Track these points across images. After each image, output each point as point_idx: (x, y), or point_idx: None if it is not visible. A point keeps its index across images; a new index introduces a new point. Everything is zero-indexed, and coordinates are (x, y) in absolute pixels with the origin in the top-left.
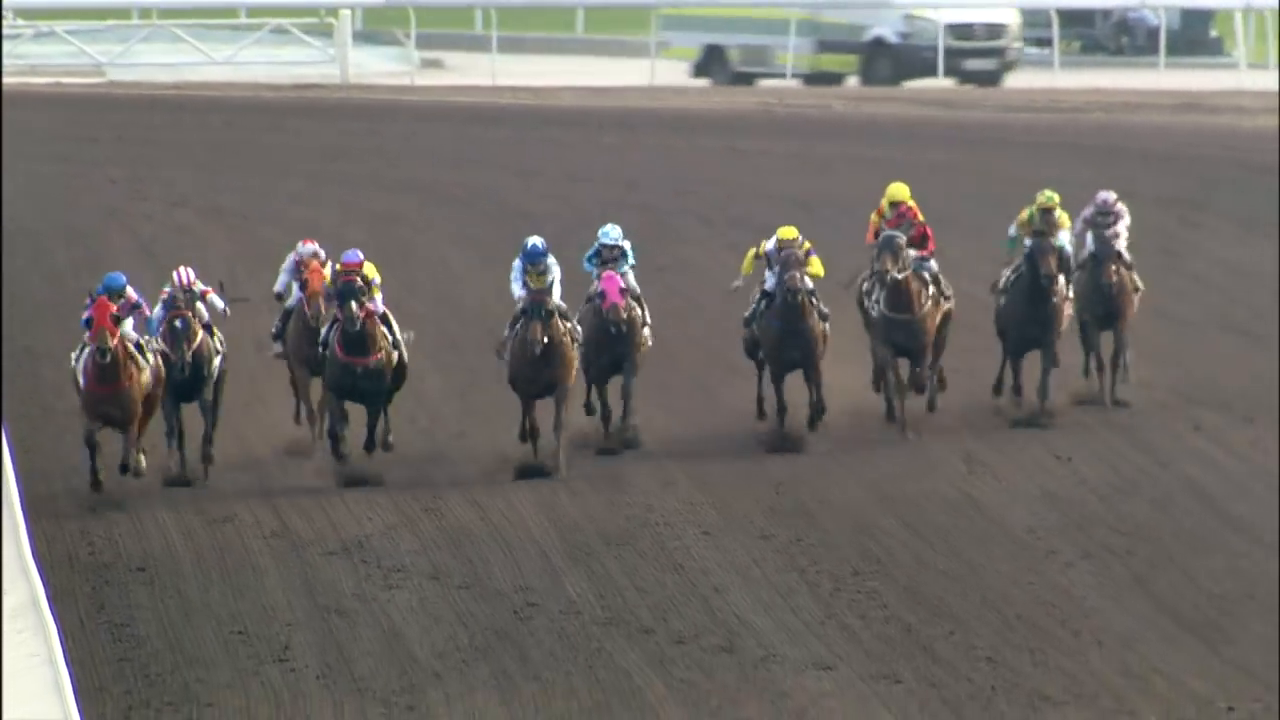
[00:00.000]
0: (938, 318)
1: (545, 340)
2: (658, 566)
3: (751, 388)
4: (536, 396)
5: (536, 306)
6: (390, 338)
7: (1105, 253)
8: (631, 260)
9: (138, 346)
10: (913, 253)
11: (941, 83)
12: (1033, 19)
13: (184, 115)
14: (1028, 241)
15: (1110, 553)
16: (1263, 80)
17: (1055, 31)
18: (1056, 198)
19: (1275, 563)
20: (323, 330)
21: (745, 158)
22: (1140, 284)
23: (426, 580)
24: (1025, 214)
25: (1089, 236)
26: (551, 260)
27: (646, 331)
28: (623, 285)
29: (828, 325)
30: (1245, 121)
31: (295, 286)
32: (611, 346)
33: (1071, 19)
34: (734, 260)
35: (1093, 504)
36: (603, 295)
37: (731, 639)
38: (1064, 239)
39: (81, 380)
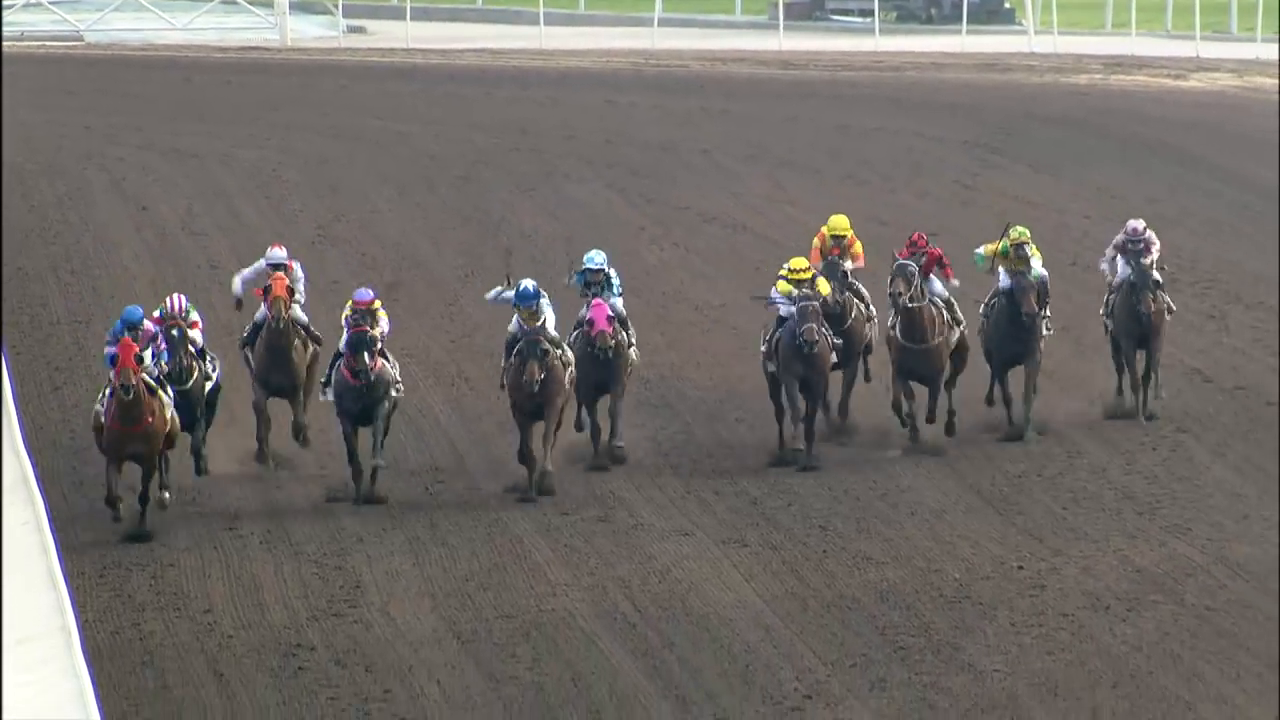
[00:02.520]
0: (953, 339)
1: (542, 377)
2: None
3: None
4: (534, 420)
5: (533, 345)
6: (388, 366)
7: (1143, 281)
8: (618, 288)
9: (158, 381)
10: (937, 285)
11: (781, 44)
12: None
13: (149, 73)
14: (1003, 277)
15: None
16: (1048, 44)
17: (876, 3)
18: (1027, 232)
19: (1061, 448)
20: (327, 370)
21: (620, 109)
22: (1173, 305)
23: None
24: (998, 245)
25: (1120, 263)
26: (545, 302)
27: (633, 353)
28: (610, 314)
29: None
30: (1034, 78)
31: (263, 305)
32: (599, 370)
33: None
34: (611, 196)
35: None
36: (591, 323)
37: (607, 511)
38: (1037, 267)
39: (105, 420)
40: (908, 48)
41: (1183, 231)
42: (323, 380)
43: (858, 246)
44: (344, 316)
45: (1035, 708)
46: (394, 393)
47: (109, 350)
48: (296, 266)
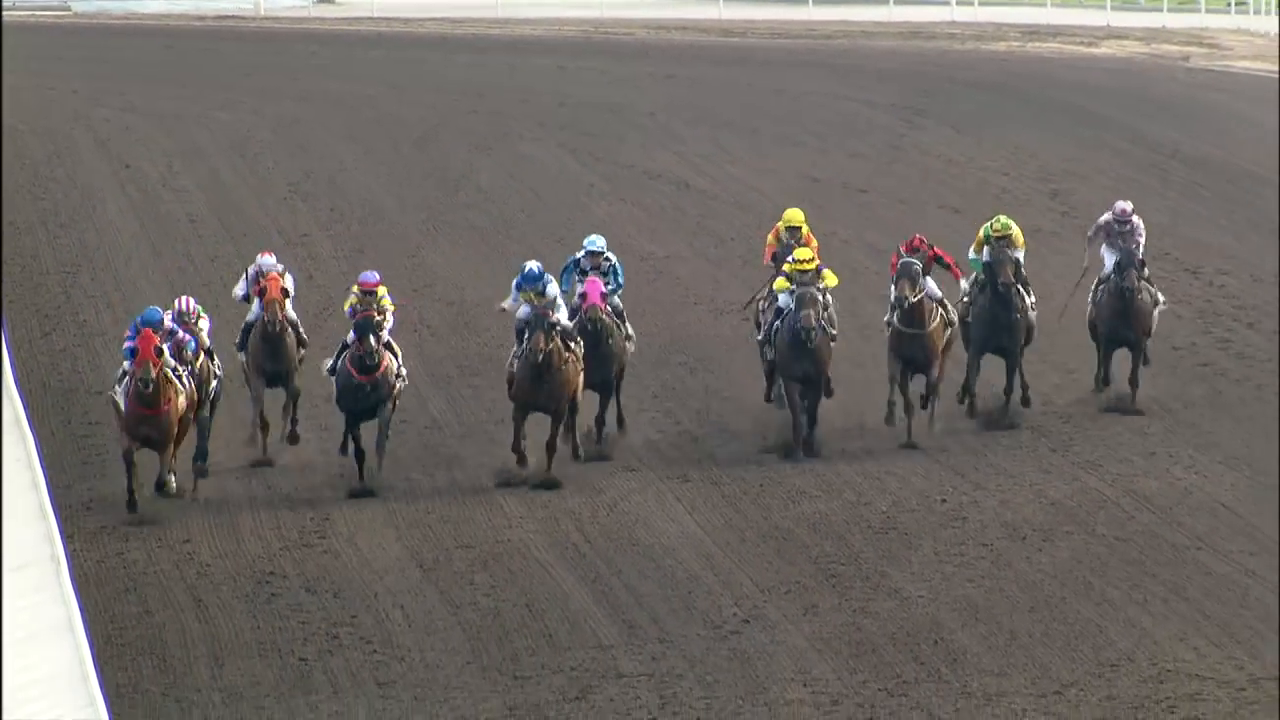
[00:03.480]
0: (945, 336)
1: (548, 349)
2: (501, 393)
3: None
4: (532, 410)
5: (539, 319)
6: (395, 361)
7: (1128, 260)
8: (620, 278)
9: (175, 372)
10: (930, 283)
11: (721, 13)
12: None
13: (132, 40)
14: (984, 253)
15: (852, 383)
16: (969, 13)
17: None
18: (1012, 224)
19: (980, 390)
20: (332, 359)
21: (571, 73)
22: (1161, 299)
23: (323, 403)
24: (981, 234)
25: (1105, 251)
26: (552, 285)
27: (630, 345)
28: (604, 290)
29: (833, 345)
30: (956, 45)
31: (256, 302)
32: (597, 364)
33: None
34: (563, 155)
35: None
36: (584, 296)
37: (560, 449)
38: (1019, 256)
39: (123, 403)
40: (839, 17)
41: (1093, 187)
42: (328, 369)
43: (813, 241)
44: (347, 306)
45: (957, 631)
46: (398, 385)
47: (128, 345)
48: (285, 273)
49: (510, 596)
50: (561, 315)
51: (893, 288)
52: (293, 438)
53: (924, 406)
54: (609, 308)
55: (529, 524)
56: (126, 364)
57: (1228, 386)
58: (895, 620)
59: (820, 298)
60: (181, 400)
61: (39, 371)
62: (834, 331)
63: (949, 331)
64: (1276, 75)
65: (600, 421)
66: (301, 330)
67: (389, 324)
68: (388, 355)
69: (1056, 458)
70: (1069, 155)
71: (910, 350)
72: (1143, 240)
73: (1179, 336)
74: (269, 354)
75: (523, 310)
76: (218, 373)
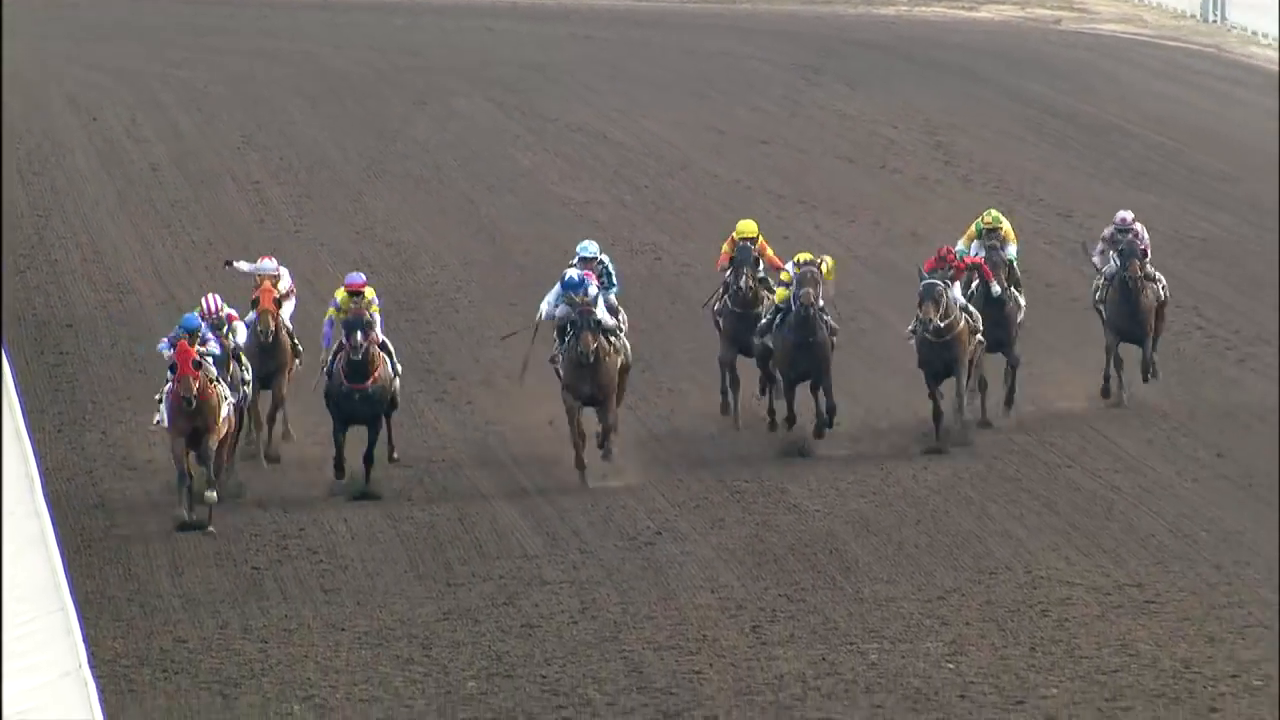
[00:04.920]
0: (972, 342)
1: (595, 348)
2: (438, 324)
3: None
4: (583, 403)
5: (586, 317)
6: (389, 364)
7: (1130, 251)
8: (615, 284)
9: (216, 381)
10: (955, 293)
11: None
12: None
13: (99, 3)
14: (975, 249)
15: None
16: None
17: None
18: (1003, 220)
19: (870, 320)
20: (327, 359)
21: (497, 35)
22: (1166, 295)
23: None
24: (973, 228)
25: (1112, 254)
26: (589, 281)
27: (625, 346)
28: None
29: (835, 339)
30: (850, 9)
31: (252, 312)
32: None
33: None
34: (491, 109)
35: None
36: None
37: (488, 376)
38: (1012, 252)
39: (166, 419)
40: None
41: (973, 138)
42: (325, 369)
43: (769, 251)
44: (327, 317)
45: (851, 542)
46: (395, 384)
47: (167, 354)
48: (284, 274)
49: (444, 511)
50: (602, 312)
51: (917, 309)
52: (284, 435)
53: (957, 409)
54: (599, 315)
55: (460, 445)
56: (168, 384)
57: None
58: (794, 532)
59: (820, 278)
60: (223, 400)
61: (15, 307)
62: (835, 325)
63: (974, 339)
64: (1139, 37)
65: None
66: (296, 340)
67: (379, 319)
68: (382, 360)
69: (942, 386)
70: (952, 110)
71: (938, 355)
72: (1147, 246)
73: (1053, 275)
74: (262, 352)
75: (561, 309)
76: (246, 377)
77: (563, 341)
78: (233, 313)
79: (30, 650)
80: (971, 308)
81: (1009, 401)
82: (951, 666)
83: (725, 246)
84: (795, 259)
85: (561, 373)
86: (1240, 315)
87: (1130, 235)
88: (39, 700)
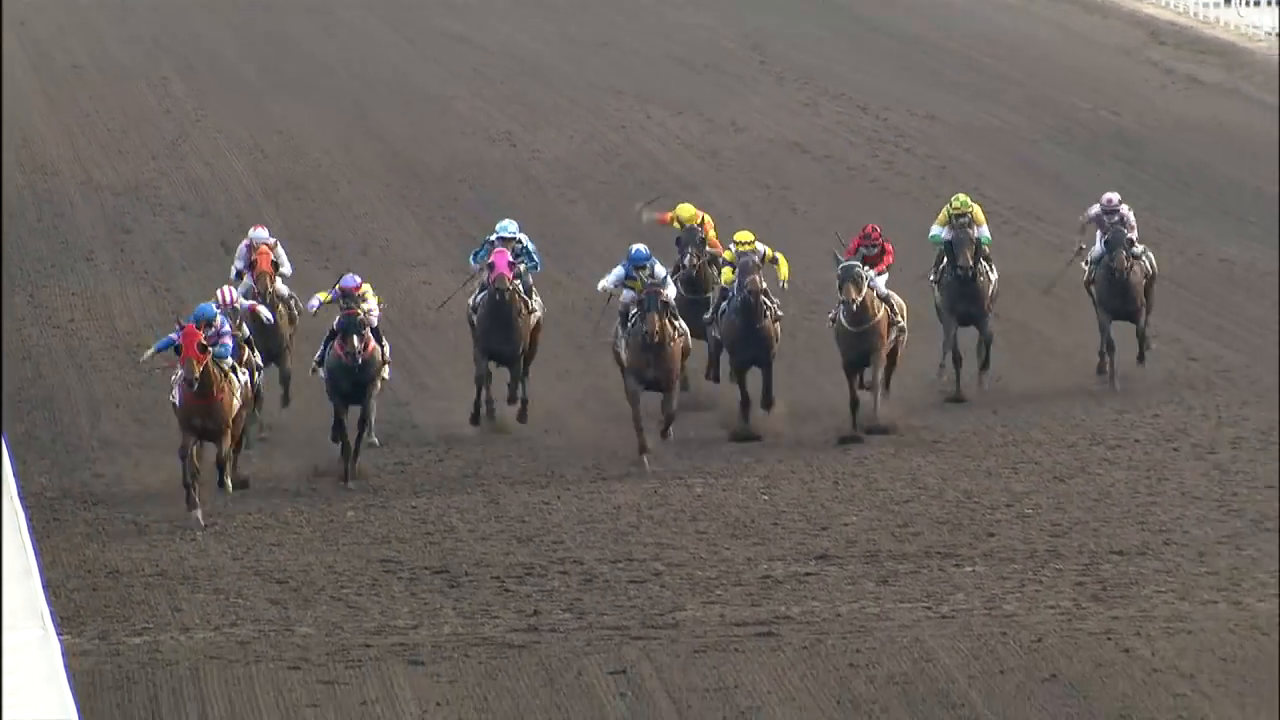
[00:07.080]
0: (892, 333)
1: (661, 329)
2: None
3: None
4: (646, 386)
5: (652, 298)
6: (380, 349)
7: (1117, 239)
8: (537, 262)
9: (232, 368)
10: (873, 273)
11: None
12: None
13: None
14: (945, 232)
15: None
16: None
17: None
18: (973, 205)
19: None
20: (320, 348)
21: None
22: (1154, 270)
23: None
24: (944, 214)
25: (1099, 236)
26: (655, 259)
27: (534, 318)
28: (510, 260)
29: (779, 326)
30: None
31: (248, 276)
32: (502, 337)
33: None
34: (423, 76)
35: None
36: (491, 267)
37: (365, 248)
38: (984, 233)
39: (177, 399)
40: None
41: (790, 45)
42: (315, 360)
43: (712, 232)
44: (318, 299)
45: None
46: (384, 373)
47: (176, 343)
48: (278, 246)
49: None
50: (670, 293)
51: (838, 291)
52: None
53: (868, 389)
54: (519, 282)
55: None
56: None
57: None
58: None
59: (760, 264)
60: (237, 393)
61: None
62: (779, 312)
63: (894, 330)
64: None
65: (513, 398)
66: (294, 306)
67: (376, 311)
68: (373, 344)
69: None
70: (774, 21)
71: (857, 345)
72: (1134, 233)
73: (853, 159)
74: (259, 329)
75: (626, 294)
76: (258, 363)
77: (624, 325)
78: (251, 303)
79: None
80: (895, 296)
81: (984, 366)
82: (766, 498)
83: (676, 224)
84: (735, 240)
85: (624, 356)
86: (1011, 193)
87: (1116, 218)
88: None
